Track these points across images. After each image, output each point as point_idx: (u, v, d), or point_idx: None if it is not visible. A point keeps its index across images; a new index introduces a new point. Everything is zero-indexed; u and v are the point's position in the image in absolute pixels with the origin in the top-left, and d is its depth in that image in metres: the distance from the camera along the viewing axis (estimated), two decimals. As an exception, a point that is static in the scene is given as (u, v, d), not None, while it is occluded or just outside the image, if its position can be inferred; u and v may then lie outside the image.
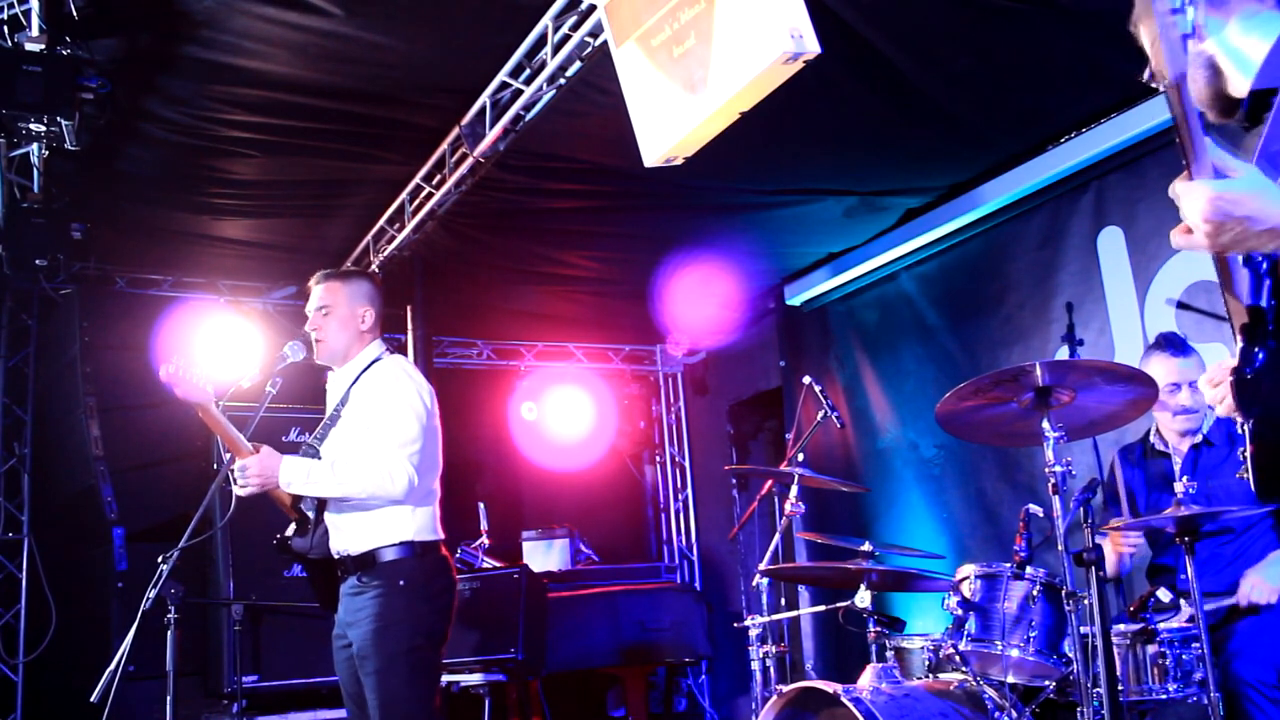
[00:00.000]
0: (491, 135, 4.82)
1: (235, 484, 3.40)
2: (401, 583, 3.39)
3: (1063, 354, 5.05)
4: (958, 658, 3.36)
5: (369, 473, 3.38)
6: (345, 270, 3.80)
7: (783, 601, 4.88)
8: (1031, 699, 3.42)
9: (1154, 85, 1.77)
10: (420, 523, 3.49)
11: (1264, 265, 1.72)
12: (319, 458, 3.51)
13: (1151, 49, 1.56)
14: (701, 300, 7.15)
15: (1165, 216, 4.76)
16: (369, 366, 3.64)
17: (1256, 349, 1.72)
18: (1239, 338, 1.73)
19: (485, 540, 6.34)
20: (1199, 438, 3.76)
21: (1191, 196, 1.60)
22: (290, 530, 3.60)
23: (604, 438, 8.20)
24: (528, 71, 4.58)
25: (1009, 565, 3.42)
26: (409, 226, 5.74)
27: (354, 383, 3.61)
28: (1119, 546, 3.78)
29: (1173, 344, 3.80)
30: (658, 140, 3.54)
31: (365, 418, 3.51)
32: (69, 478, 6.18)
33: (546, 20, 4.32)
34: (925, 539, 5.78)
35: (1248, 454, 1.79)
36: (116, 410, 6.15)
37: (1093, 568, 2.96)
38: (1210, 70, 1.91)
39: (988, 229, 5.71)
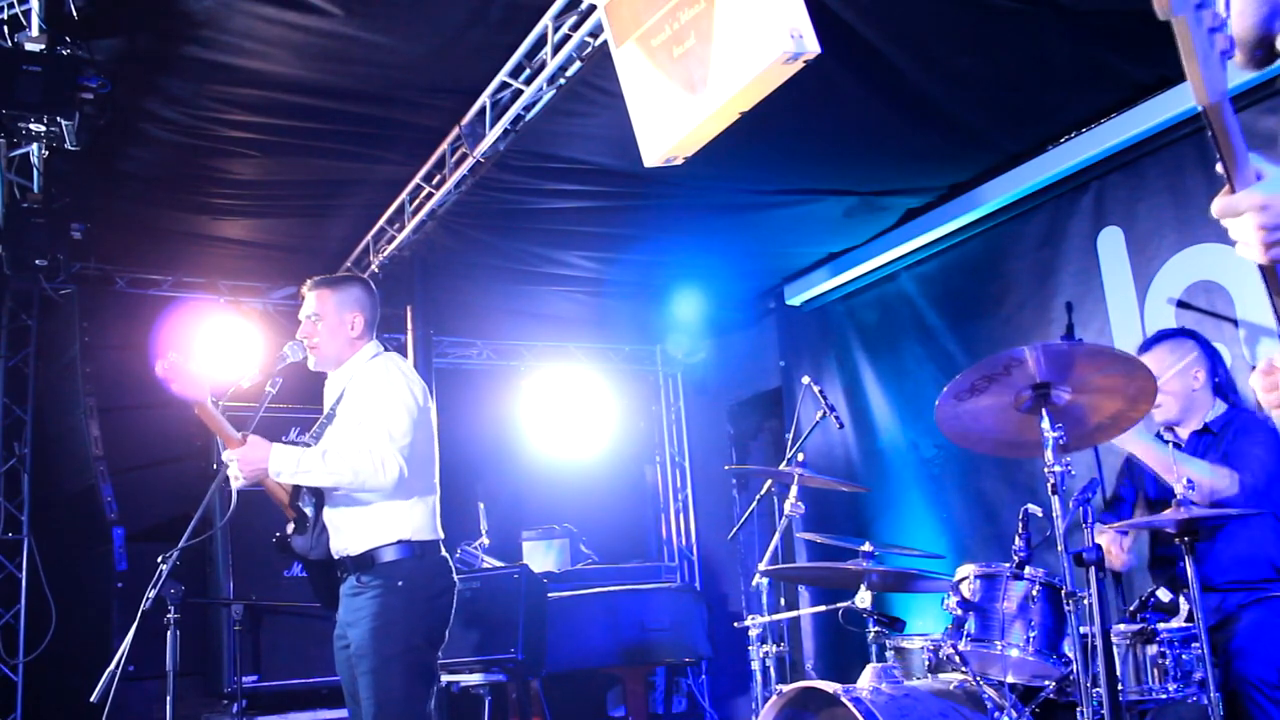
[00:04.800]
0: (491, 135, 4.82)
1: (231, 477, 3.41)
2: (400, 583, 3.39)
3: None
4: (957, 658, 3.36)
5: (359, 461, 3.37)
6: (335, 276, 3.81)
7: (783, 601, 4.89)
8: (1031, 699, 3.42)
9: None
10: (418, 521, 3.49)
11: None
12: None
13: (1186, 63, 1.50)
14: (701, 300, 7.16)
15: (1165, 217, 4.76)
16: (365, 365, 3.65)
17: None
18: None
19: (485, 540, 6.35)
20: (1200, 424, 3.76)
21: (1240, 208, 1.51)
22: (290, 528, 3.61)
23: (604, 438, 8.19)
24: (528, 71, 4.58)
25: (1009, 565, 3.41)
26: (409, 226, 5.74)
27: (350, 381, 3.63)
28: (1113, 549, 3.79)
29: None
30: (658, 140, 3.55)
31: (358, 412, 3.51)
32: (69, 478, 6.18)
33: (546, 20, 4.32)
34: (925, 539, 5.78)
35: None
36: (116, 410, 6.15)
37: (1093, 568, 2.96)
38: (1270, 9, 1.68)
39: (988, 229, 5.71)
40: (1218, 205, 1.55)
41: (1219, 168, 1.54)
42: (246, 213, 5.81)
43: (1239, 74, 1.56)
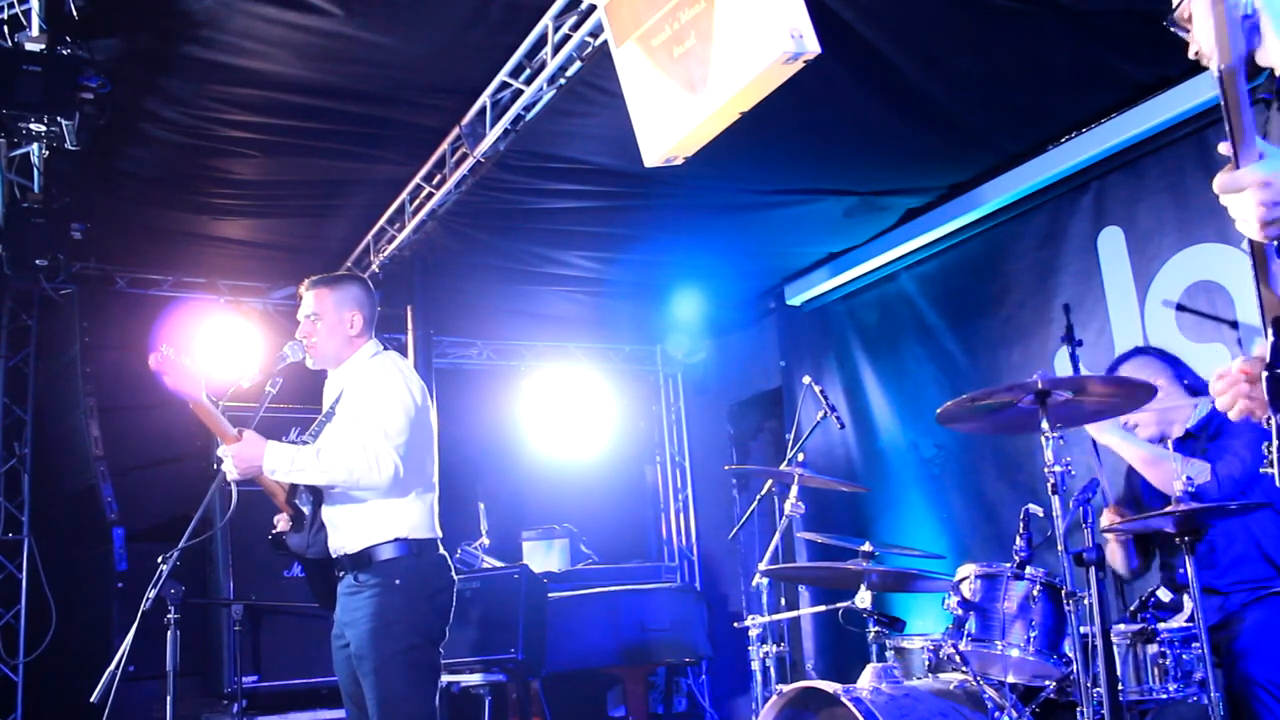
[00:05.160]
0: (492, 135, 4.83)
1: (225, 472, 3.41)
2: (398, 581, 3.39)
3: (1061, 355, 5.06)
4: (958, 658, 3.36)
5: (354, 459, 3.37)
6: (333, 276, 3.80)
7: (783, 601, 4.89)
8: (1031, 699, 3.43)
9: (1201, 63, 1.70)
10: (416, 520, 3.48)
11: None
12: None
13: (1201, 26, 1.50)
14: (701, 300, 7.16)
15: (1165, 217, 4.76)
16: (364, 364, 3.65)
17: None
18: (1270, 332, 1.66)
19: (485, 540, 6.35)
20: (1183, 431, 3.76)
21: (1243, 183, 1.53)
22: (285, 525, 3.60)
23: (604, 438, 8.19)
24: (528, 71, 4.58)
25: (1009, 565, 3.42)
26: (409, 226, 5.75)
27: (349, 380, 3.63)
28: (1114, 540, 3.80)
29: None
30: (658, 140, 3.55)
31: (356, 410, 3.51)
32: (69, 478, 6.18)
33: (546, 20, 4.32)
34: (925, 539, 5.78)
35: (1274, 450, 1.76)
36: (116, 410, 6.15)
37: (1093, 568, 2.96)
38: (1250, 31, 1.75)
39: (988, 229, 5.71)
40: (1221, 180, 1.56)
41: (1223, 147, 1.54)
42: (246, 213, 5.81)
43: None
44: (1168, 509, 3.24)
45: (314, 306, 3.67)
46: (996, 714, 3.31)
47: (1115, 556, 3.85)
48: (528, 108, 4.66)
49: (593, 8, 4.03)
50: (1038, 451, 3.09)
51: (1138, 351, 3.95)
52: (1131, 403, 3.29)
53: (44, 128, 4.28)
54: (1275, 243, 1.62)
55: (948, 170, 5.58)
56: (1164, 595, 3.45)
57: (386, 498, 3.44)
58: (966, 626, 3.40)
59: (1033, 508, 3.41)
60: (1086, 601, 2.99)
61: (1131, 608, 3.50)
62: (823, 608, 4.35)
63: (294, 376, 3.68)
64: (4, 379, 6.08)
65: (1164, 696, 3.26)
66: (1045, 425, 3.03)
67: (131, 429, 6.18)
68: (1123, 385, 3.27)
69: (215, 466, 3.48)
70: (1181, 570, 3.61)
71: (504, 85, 4.68)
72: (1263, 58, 1.77)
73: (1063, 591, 3.12)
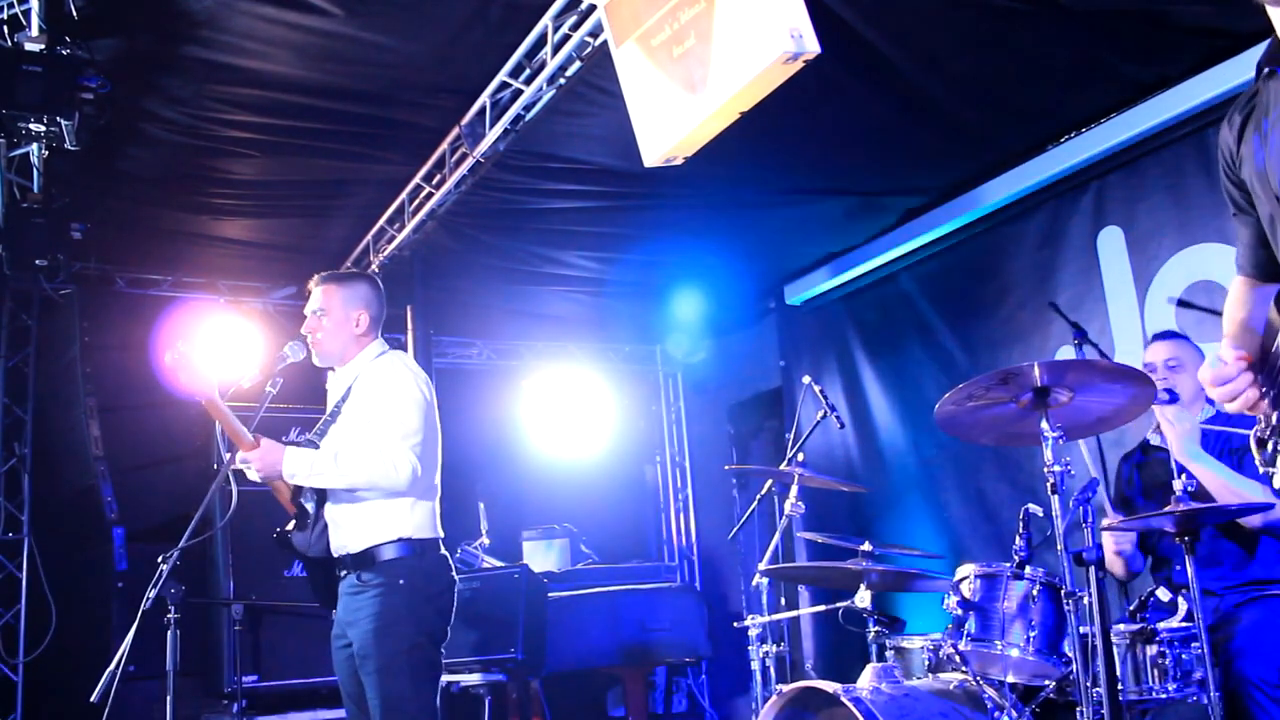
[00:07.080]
0: (491, 135, 4.83)
1: (237, 477, 3.40)
2: (401, 581, 3.39)
3: (1062, 355, 5.06)
4: (958, 658, 3.36)
5: (372, 463, 3.38)
6: (343, 273, 3.80)
7: (783, 601, 4.89)
8: (1031, 699, 3.42)
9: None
10: (419, 520, 3.48)
11: None
12: None
13: None
14: (701, 300, 7.16)
15: (1165, 217, 4.76)
16: (370, 364, 3.65)
17: None
18: None
19: (485, 540, 6.35)
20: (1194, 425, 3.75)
21: None
22: (290, 525, 3.60)
23: (604, 438, 8.19)
24: (528, 71, 4.58)
25: (1009, 565, 3.41)
26: (409, 226, 5.75)
27: (355, 379, 3.63)
28: (1112, 545, 3.79)
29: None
30: (658, 140, 3.55)
31: (367, 411, 3.51)
32: (69, 478, 6.18)
33: (546, 20, 4.32)
34: (925, 539, 5.78)
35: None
36: (116, 410, 6.15)
37: (1093, 568, 2.96)
38: None
39: (988, 229, 5.71)
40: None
41: None
42: (246, 213, 5.81)
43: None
44: (1167, 509, 3.24)
45: (321, 302, 3.67)
46: (996, 714, 3.31)
47: (1115, 565, 3.83)
48: (527, 108, 4.66)
49: (593, 8, 4.03)
50: (1037, 452, 3.08)
51: (1170, 334, 3.91)
52: (1134, 397, 3.24)
53: (44, 128, 4.28)
54: None
55: (948, 170, 5.58)
56: (1163, 595, 3.45)
57: (391, 498, 3.44)
58: (966, 626, 3.39)
59: (1032, 507, 3.41)
60: (1086, 601, 2.99)
61: (1131, 608, 3.50)
62: (823, 608, 4.35)
63: (294, 376, 3.68)
64: (4, 379, 6.08)
65: (1164, 696, 3.25)
66: (1045, 425, 3.03)
67: (131, 429, 6.18)
68: (1123, 370, 3.20)
69: (215, 466, 3.48)
70: (1179, 569, 3.60)
71: (504, 85, 4.68)
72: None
73: (1062, 591, 3.12)
